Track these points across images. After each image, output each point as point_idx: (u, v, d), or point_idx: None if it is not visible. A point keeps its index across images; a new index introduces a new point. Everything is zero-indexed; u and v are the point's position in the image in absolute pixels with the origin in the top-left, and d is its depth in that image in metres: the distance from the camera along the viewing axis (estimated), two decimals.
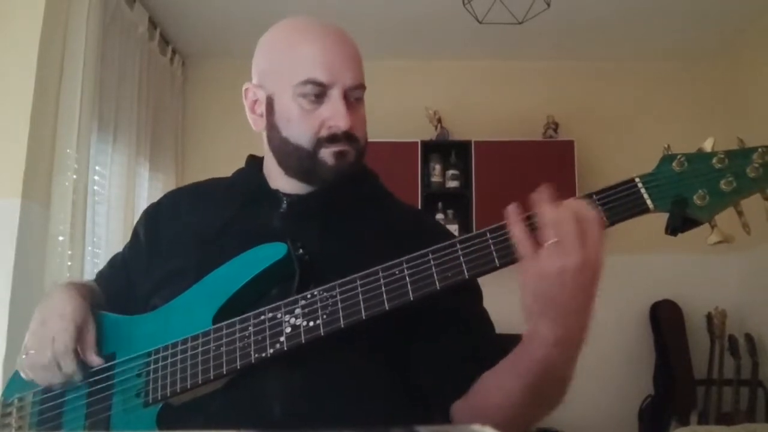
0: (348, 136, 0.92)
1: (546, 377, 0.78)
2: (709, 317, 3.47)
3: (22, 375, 0.92)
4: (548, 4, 2.69)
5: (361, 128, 0.96)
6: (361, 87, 0.95)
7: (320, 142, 0.92)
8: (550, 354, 0.75)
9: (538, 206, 0.74)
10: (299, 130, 0.92)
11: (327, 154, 0.92)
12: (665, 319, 3.55)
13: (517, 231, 0.74)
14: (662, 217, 0.78)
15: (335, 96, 0.91)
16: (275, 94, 0.95)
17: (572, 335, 0.75)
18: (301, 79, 0.91)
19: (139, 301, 0.98)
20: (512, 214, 0.75)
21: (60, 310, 0.91)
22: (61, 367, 0.88)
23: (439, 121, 3.72)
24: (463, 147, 3.67)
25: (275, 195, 0.98)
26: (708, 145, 0.77)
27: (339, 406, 0.84)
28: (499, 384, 0.84)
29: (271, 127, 0.96)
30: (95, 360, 0.90)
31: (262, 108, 0.98)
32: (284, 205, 0.97)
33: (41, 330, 0.90)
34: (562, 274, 0.71)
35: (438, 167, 3.67)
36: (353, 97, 0.94)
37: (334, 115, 0.91)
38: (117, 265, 1.09)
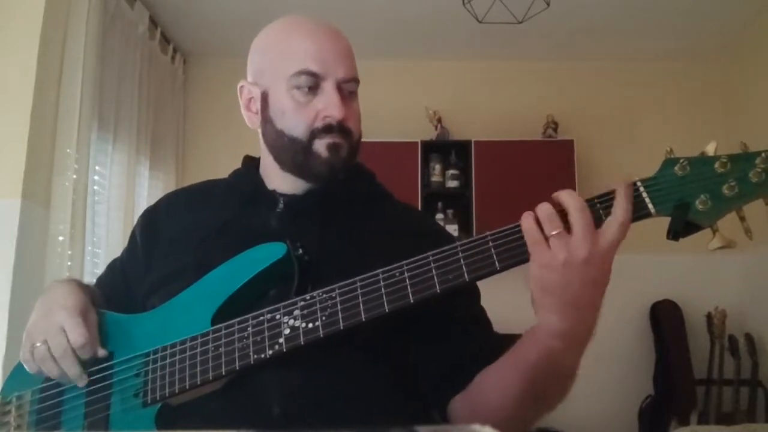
0: (342, 128, 0.92)
1: (547, 372, 0.78)
2: (709, 317, 3.46)
3: (26, 367, 0.90)
4: (548, 4, 2.69)
5: (355, 122, 0.96)
6: (355, 80, 0.95)
7: (314, 134, 0.92)
8: (554, 347, 0.76)
9: (538, 207, 0.75)
10: (294, 122, 0.93)
11: (321, 145, 0.92)
12: (665, 319, 3.55)
13: (525, 223, 0.75)
14: (663, 218, 0.78)
15: (329, 87, 0.92)
16: (270, 89, 0.96)
17: (578, 329, 0.75)
18: (295, 71, 0.92)
19: (137, 302, 0.98)
20: (525, 213, 0.76)
21: (63, 302, 0.90)
22: (80, 359, 0.87)
23: (439, 120, 3.72)
24: (463, 147, 3.67)
25: (272, 195, 0.98)
26: (710, 149, 0.76)
27: (338, 407, 0.84)
28: (497, 380, 0.84)
29: (266, 122, 0.97)
30: (100, 352, 0.89)
31: (257, 105, 0.99)
32: (281, 205, 0.97)
33: (45, 321, 0.89)
34: (567, 265, 0.72)
35: (438, 167, 3.67)
36: (347, 90, 0.94)
37: (328, 105, 0.91)
38: (115, 269, 1.09)
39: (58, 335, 0.86)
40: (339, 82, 0.92)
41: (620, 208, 0.73)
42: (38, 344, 0.87)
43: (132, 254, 1.06)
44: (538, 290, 0.75)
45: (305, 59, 0.92)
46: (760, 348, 3.30)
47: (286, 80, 0.93)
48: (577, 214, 0.73)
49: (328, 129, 0.92)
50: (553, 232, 0.73)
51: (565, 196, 0.74)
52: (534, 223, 0.74)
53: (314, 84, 0.92)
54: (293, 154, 0.94)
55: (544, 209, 0.74)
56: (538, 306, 0.76)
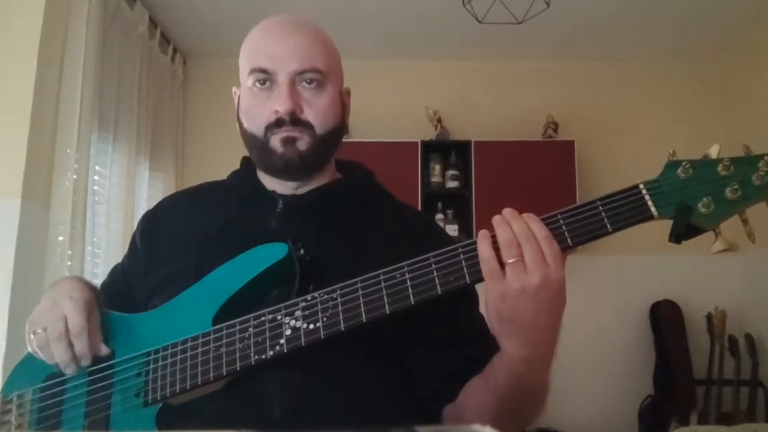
0: (295, 121, 0.92)
1: (517, 391, 0.80)
2: (709, 317, 3.47)
3: (30, 348, 0.90)
4: (548, 4, 2.69)
5: (318, 114, 0.94)
6: (314, 71, 0.93)
7: (269, 129, 0.93)
8: (517, 372, 0.78)
9: (496, 226, 0.76)
10: (254, 119, 0.94)
11: (276, 140, 0.93)
12: (665, 319, 3.55)
13: (483, 250, 0.75)
14: (663, 218, 0.77)
15: (280, 81, 0.92)
16: (241, 90, 0.99)
17: (539, 353, 0.77)
18: (249, 69, 0.94)
19: (138, 302, 0.98)
20: (482, 234, 0.76)
21: (70, 294, 0.90)
22: (74, 346, 0.87)
23: (439, 120, 3.72)
24: (462, 147, 3.67)
25: (271, 196, 0.98)
26: (713, 152, 0.76)
27: (338, 407, 0.84)
28: (475, 396, 0.86)
29: (239, 123, 0.99)
30: (102, 348, 0.89)
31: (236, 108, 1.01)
32: (280, 206, 0.97)
33: (50, 310, 0.89)
34: (522, 293, 0.72)
35: (438, 167, 3.67)
36: (305, 82, 0.93)
37: (276, 99, 0.92)
38: (117, 274, 1.09)
39: (58, 322, 0.87)
40: (292, 75, 0.92)
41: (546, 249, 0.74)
42: (39, 331, 0.88)
43: (133, 259, 1.06)
44: (494, 318, 0.76)
45: (257, 56, 0.94)
46: (760, 348, 3.30)
47: (245, 80, 0.96)
48: (527, 244, 0.73)
49: (279, 123, 0.92)
50: (510, 260, 0.73)
51: (516, 225, 0.75)
52: (491, 250, 0.75)
53: (268, 80, 0.93)
54: (257, 151, 0.96)
55: (505, 235, 0.74)
56: (496, 332, 0.78)
